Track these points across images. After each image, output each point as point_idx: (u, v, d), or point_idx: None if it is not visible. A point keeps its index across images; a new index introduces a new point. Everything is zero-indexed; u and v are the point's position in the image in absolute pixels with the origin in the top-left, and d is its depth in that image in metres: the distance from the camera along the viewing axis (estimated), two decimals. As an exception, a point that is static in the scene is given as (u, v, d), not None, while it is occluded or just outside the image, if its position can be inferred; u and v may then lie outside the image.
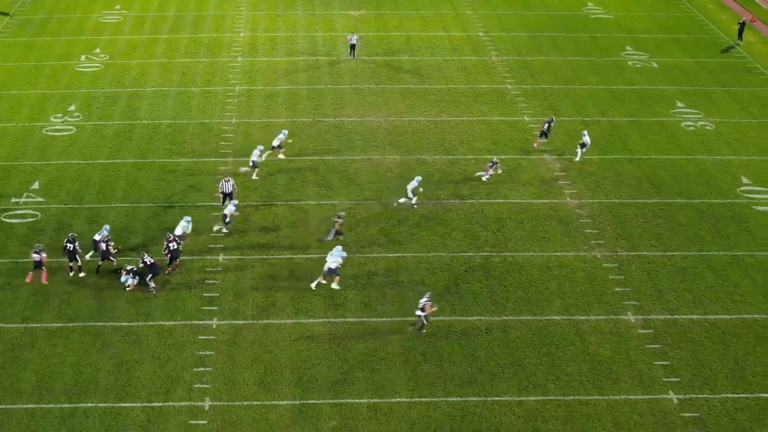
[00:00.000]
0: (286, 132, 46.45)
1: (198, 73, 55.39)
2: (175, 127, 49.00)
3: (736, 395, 32.31)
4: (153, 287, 36.26)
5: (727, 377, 33.04)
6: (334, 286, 36.70)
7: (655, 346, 34.41)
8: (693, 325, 35.50)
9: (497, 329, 34.99)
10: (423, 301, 34.33)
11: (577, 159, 46.47)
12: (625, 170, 45.96)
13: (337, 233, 39.50)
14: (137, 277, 36.43)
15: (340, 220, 39.48)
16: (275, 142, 45.67)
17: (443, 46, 60.44)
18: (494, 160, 44.71)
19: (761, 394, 32.36)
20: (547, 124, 47.64)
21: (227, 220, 39.62)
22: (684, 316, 35.94)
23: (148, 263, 36.23)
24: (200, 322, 35.06)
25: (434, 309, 34.45)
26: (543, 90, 54.42)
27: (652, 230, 41.14)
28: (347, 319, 35.32)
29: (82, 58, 57.31)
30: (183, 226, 38.56)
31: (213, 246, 39.09)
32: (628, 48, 61.14)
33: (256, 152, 44.03)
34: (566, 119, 50.76)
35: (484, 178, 44.42)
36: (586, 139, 46.42)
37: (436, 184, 44.14)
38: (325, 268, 36.43)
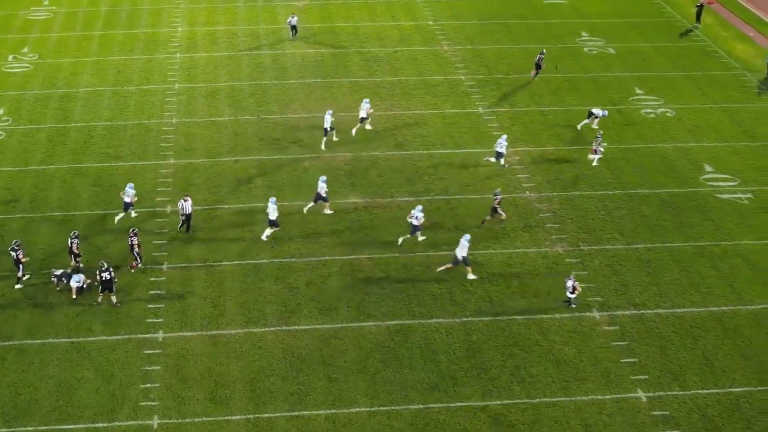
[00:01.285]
0: (368, 101, 48.16)
1: (134, 71, 54.76)
2: (111, 129, 48.40)
3: (706, 391, 32.67)
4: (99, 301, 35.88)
5: (697, 372, 33.41)
6: (470, 276, 37.45)
7: (622, 343, 34.69)
8: (660, 319, 35.85)
9: (458, 331, 35.03)
10: (570, 283, 35.44)
11: (594, 125, 48.53)
12: (585, 162, 46.25)
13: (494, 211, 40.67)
14: (66, 280, 35.93)
15: (498, 198, 40.61)
16: (362, 113, 47.50)
17: (392, 36, 60.42)
18: (598, 135, 45.92)
19: (732, 389, 32.76)
20: (539, 56, 54.00)
21: (274, 220, 39.44)
22: (650, 311, 36.28)
23: (105, 278, 35.50)
24: (145, 335, 34.64)
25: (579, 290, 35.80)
26: (497, 80, 54.62)
27: (614, 223, 41.48)
28: (301, 327, 35.13)
29: (10, 58, 56.35)
30: (272, 209, 39.01)
31: (156, 254, 38.64)
32: (583, 34, 61.59)
33: (327, 117, 46.31)
34: (522, 109, 50.99)
35: (594, 163, 45.55)
36: (597, 111, 48.38)
37: (390, 181, 44.08)
38: (457, 256, 37.09)
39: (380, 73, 55.02)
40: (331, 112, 47.12)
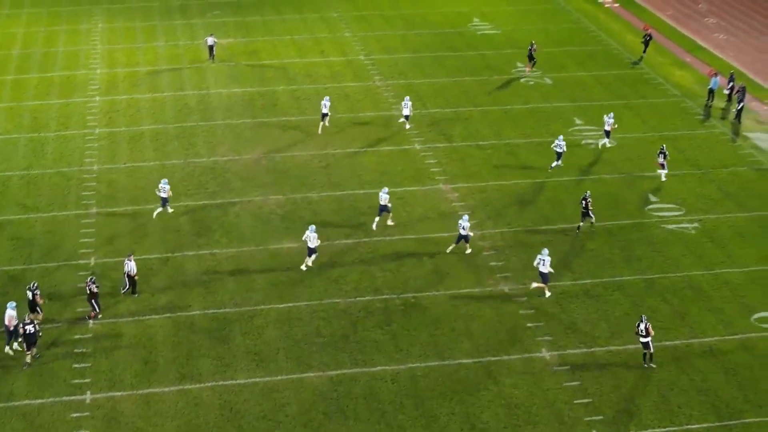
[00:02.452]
0: (408, 99, 53.15)
1: (51, 116, 54.06)
2: (28, 178, 47.59)
3: (663, 429, 32.83)
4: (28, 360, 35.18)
5: (652, 410, 33.60)
6: (542, 289, 39.32)
7: (574, 383, 34.79)
8: (612, 356, 36.06)
9: (404, 378, 34.84)
10: (642, 326, 34.82)
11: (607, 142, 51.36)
12: (528, 196, 46.65)
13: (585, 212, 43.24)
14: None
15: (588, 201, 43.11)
16: (405, 111, 52.49)
17: (322, 73, 60.58)
18: (662, 150, 48.35)
19: (689, 426, 32.98)
20: (531, 47, 59.87)
21: (313, 248, 40.15)
22: (602, 348, 36.48)
23: (28, 331, 34.69)
24: (72, 397, 33.82)
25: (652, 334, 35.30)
26: (432, 114, 55.00)
27: (560, 258, 41.76)
28: (238, 381, 34.62)
29: None
30: (312, 237, 39.93)
31: (81, 309, 37.88)
32: (519, 65, 62.39)
33: (406, 103, 52.51)
34: (460, 144, 51.32)
35: (660, 171, 48.20)
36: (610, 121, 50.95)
37: (326, 223, 43.95)
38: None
39: (311, 111, 55.04)
40: (328, 98, 52.56)
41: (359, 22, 70.33)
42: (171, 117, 54.13)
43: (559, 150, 48.45)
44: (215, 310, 38.13)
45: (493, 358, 35.86)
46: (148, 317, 37.68)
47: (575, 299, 39.18)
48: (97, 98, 56.46)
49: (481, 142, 51.63)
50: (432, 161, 49.77)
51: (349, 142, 51.72)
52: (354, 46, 65.25)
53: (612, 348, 36.50)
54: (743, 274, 41.03)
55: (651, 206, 46.04)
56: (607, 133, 51.52)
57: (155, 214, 44.08)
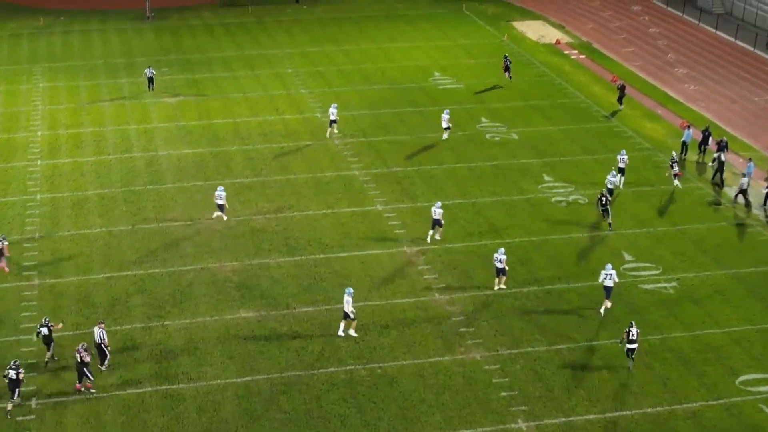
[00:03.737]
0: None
1: (-11, 182, 53.56)
2: (-35, 249, 46.86)
3: (648, 503, 32.56)
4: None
5: (636, 483, 33.31)
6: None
7: (553, 455, 34.45)
8: (591, 426, 35.80)
9: (372, 455, 34.32)
10: (633, 331, 38.31)
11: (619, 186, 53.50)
12: (490, 256, 46.58)
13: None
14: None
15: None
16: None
17: (277, 131, 60.60)
18: (673, 157, 54.08)
19: (675, 498, 32.73)
20: (505, 60, 68.05)
21: (348, 313, 40.19)
22: (580, 417, 36.23)
23: (10, 376, 35.55)
24: (13, 484, 32.92)
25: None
26: (395, 173, 55.06)
27: (534, 322, 41.63)
28: (194, 462, 33.92)
29: None
30: (348, 300, 40.06)
31: (24, 389, 37.01)
32: (483, 120, 62.81)
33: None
34: (424, 205, 51.29)
35: (676, 181, 53.36)
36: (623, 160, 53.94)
37: (285, 290, 43.58)
38: None
39: (267, 172, 54.92)
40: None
41: (315, 77, 70.61)
42: (117, 180, 53.72)
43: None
44: (168, 386, 37.47)
45: (466, 431, 35.46)
46: (95, 395, 36.92)
47: (550, 365, 38.97)
48: (39, 162, 55.98)
49: (446, 202, 51.65)
50: (395, 222, 49.71)
51: (306, 203, 51.55)
52: (310, 103, 65.41)
53: (591, 417, 36.26)
54: (725, 335, 41.12)
55: (627, 265, 46.15)
56: (622, 171, 53.36)
57: (214, 216, 49.40)
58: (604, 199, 48.94)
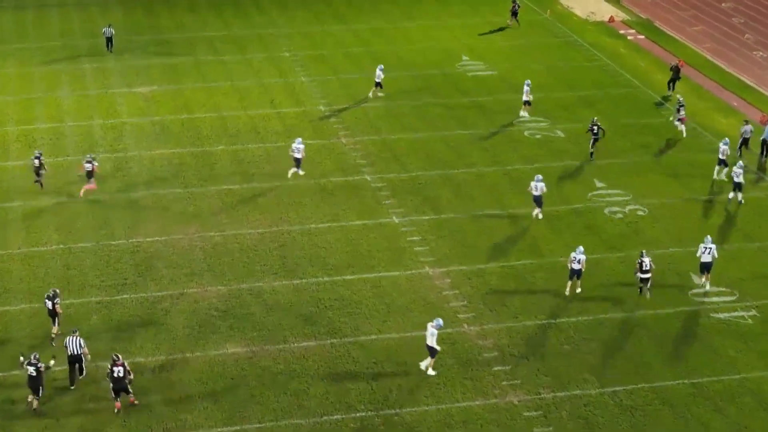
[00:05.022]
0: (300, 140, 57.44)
1: (-76, 189, 53.82)
2: None
3: None
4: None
5: None
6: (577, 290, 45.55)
7: None
8: (654, 487, 35.67)
9: None
10: (647, 261, 44.07)
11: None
12: (538, 280, 46.51)
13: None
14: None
15: None
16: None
17: (273, 128, 60.69)
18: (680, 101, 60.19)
19: None
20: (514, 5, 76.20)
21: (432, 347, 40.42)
22: (640, 476, 36.11)
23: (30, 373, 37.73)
24: None
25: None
26: (414, 179, 55.04)
27: (582, 360, 41.48)
28: None
29: None
30: (432, 333, 40.13)
31: (-36, 440, 37.17)
32: (521, 114, 62.72)
33: (379, 73, 64.36)
34: (449, 217, 51.23)
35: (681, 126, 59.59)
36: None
37: (281, 321, 43.57)
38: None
39: (259, 177, 54.96)
40: (381, 67, 64.15)
41: (318, 63, 70.72)
42: (79, 187, 53.80)
43: (737, 179, 52.71)
44: (139, 437, 37.55)
45: (501, 492, 35.38)
46: (52, 447, 37.02)
47: (604, 411, 38.82)
48: (-16, 165, 56.37)
49: (477, 213, 51.55)
50: (415, 238, 49.64)
51: (308, 215, 51.55)
52: (312, 93, 65.46)
53: (654, 475, 36.11)
54: (817, 375, 40.98)
55: (696, 290, 45.99)
56: (739, 186, 52.98)
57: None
58: (595, 128, 57.01)
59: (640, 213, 52.09)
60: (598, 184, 54.72)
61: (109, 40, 71.85)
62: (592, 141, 57.51)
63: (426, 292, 45.70)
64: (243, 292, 45.62)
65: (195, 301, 45.01)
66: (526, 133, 60.29)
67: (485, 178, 55.21)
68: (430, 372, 40.49)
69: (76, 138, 59.38)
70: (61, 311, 42.02)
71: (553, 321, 43.83)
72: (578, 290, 45.41)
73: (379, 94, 64.31)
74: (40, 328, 43.10)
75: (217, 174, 55.49)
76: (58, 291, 42.31)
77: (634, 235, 50.03)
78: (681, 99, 60.99)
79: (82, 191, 52.95)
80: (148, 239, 49.52)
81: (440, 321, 40.28)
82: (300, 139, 54.86)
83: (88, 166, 52.95)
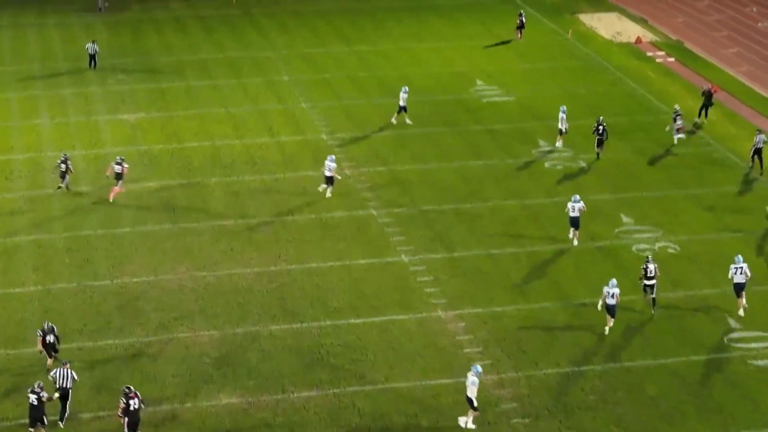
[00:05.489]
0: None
1: None
2: None
3: None
4: None
5: None
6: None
7: None
8: None
9: None
10: (651, 267, 46.45)
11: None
12: (560, 324, 46.37)
13: None
14: None
15: None
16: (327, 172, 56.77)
17: (271, 158, 60.75)
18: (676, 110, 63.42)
19: None
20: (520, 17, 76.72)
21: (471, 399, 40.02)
22: None
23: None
24: None
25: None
26: (425, 214, 55.00)
27: (609, 412, 41.31)
28: None
29: None
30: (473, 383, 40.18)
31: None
32: (541, 143, 62.73)
33: (403, 96, 64.49)
34: (464, 254, 51.18)
35: (677, 136, 62.91)
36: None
37: (280, 368, 43.43)
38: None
39: (255, 212, 54.96)
40: (406, 89, 64.49)
41: (319, 87, 70.86)
42: (59, 223, 53.87)
43: (761, 145, 57.22)
44: (124, 497, 37.37)
45: None
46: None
47: (634, 469, 38.64)
48: (-45, 198, 56.44)
49: (493, 251, 51.45)
50: (426, 278, 49.53)
51: (309, 252, 51.46)
52: (313, 119, 65.53)
53: None
54: None
55: (733, 335, 45.81)
56: (758, 152, 55.54)
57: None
58: (600, 128, 60.28)
59: (671, 251, 51.97)
60: (625, 219, 54.63)
61: (93, 57, 72.60)
62: (596, 141, 60.80)
63: (438, 337, 45.56)
64: (238, 337, 45.52)
65: (185, 346, 44.91)
66: (546, 164, 60.27)
67: (502, 213, 55.13)
68: (470, 426, 40.24)
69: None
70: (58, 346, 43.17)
71: (577, 369, 43.67)
72: (606, 330, 45.75)
73: (407, 121, 64.85)
74: (18, 376, 42.97)
75: (210, 208, 55.45)
76: (54, 326, 43.20)
77: (664, 275, 49.85)
78: (677, 107, 64.03)
79: (112, 195, 55.52)
80: (134, 279, 49.44)
81: (479, 367, 40.25)
82: (333, 157, 56.15)
83: (118, 168, 55.31)
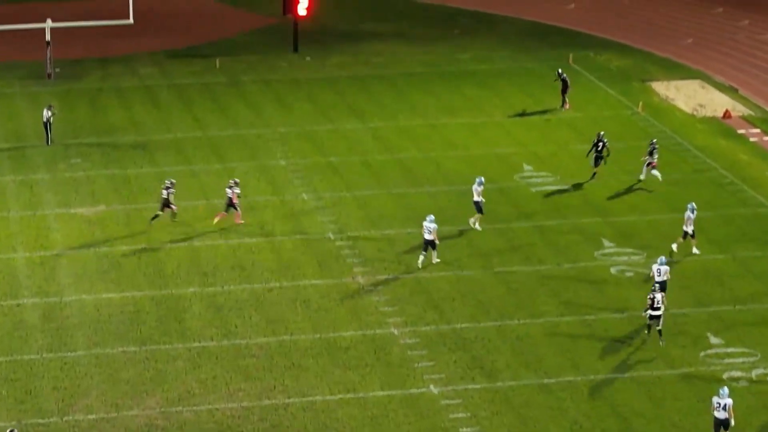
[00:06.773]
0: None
1: None
2: None
3: None
4: None
5: None
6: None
7: None
8: None
9: None
10: (658, 297, 52.66)
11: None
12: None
13: None
14: None
15: None
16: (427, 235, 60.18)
17: (264, 263, 60.95)
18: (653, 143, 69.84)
19: None
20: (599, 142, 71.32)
21: None
22: None
23: None
24: None
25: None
26: (459, 332, 54.86)
27: None
28: None
29: None
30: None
31: None
32: (606, 243, 62.67)
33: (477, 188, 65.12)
34: (506, 385, 50.85)
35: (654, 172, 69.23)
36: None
37: None
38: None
39: (244, 331, 54.92)
40: (481, 180, 64.26)
41: (325, 174, 71.19)
42: (-3, 344, 53.89)
43: None
44: None
45: None
46: None
47: None
48: None
49: (546, 380, 51.16)
50: (461, 414, 49.21)
51: (312, 382, 51.27)
52: (317, 215, 65.74)
53: None
54: None
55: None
56: None
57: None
58: (600, 144, 67.89)
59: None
60: (713, 340, 54.31)
61: (46, 126, 73.68)
62: (594, 160, 67.83)
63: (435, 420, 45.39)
64: (223, 497, 45.37)
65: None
66: (612, 270, 60.15)
67: (557, 332, 54.91)
68: None
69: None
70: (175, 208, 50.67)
71: None
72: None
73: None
74: None
75: (187, 326, 55.38)
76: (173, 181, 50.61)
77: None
78: (654, 141, 71.32)
79: (237, 220, 64.16)
80: (89, 416, 49.19)
81: None
82: (432, 217, 59.80)
83: (229, 192, 63.10)
